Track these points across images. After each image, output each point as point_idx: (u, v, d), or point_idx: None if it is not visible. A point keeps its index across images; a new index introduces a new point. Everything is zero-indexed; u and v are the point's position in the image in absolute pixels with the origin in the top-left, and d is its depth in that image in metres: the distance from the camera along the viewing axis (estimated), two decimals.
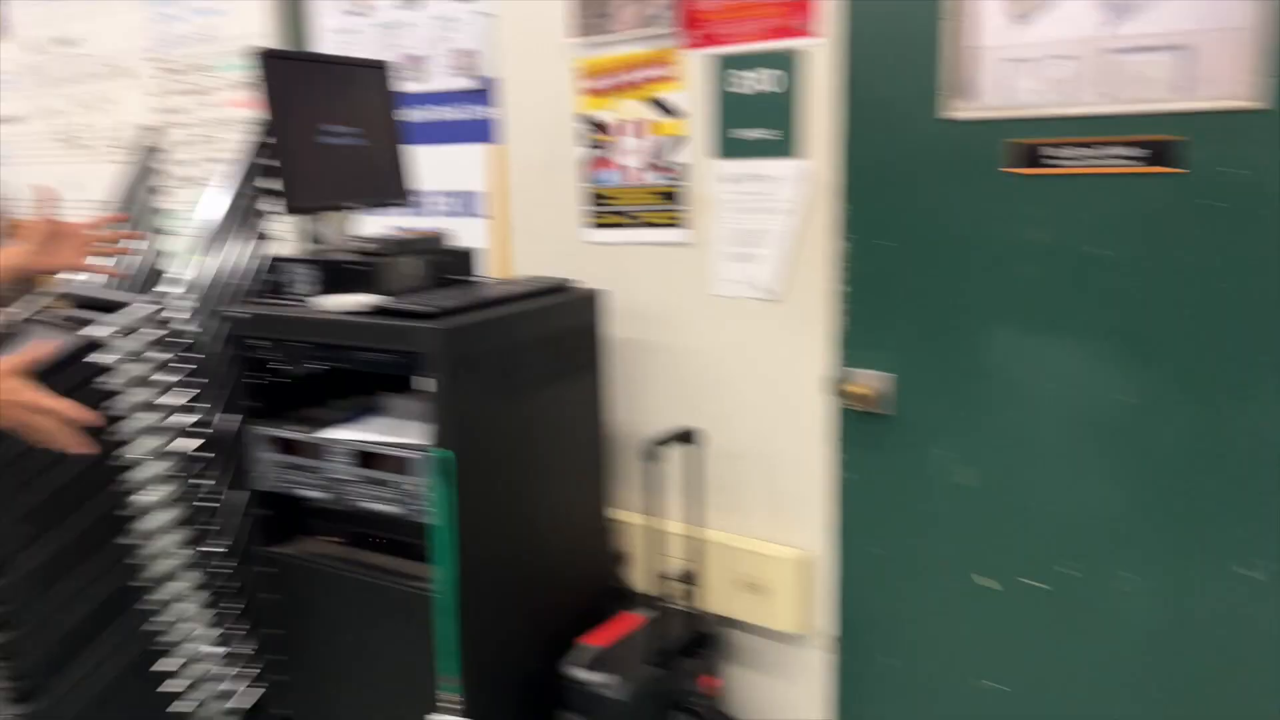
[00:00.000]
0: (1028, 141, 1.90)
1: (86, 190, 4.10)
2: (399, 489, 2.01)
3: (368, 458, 2.05)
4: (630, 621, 2.32)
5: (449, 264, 2.27)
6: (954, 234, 2.01)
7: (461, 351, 1.93)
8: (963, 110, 1.97)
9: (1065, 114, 1.86)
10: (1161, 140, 1.77)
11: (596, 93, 2.47)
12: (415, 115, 2.87)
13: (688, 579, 2.33)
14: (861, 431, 2.19)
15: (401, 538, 2.13)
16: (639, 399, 2.53)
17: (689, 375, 2.44)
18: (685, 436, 2.26)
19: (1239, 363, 1.78)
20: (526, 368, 2.12)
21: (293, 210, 2.13)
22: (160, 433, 2.22)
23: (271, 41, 3.11)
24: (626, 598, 2.48)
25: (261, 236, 2.41)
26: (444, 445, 1.92)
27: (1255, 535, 1.81)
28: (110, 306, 2.34)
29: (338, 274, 2.11)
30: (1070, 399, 1.94)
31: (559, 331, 2.22)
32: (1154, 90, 1.77)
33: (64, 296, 2.55)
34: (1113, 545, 1.95)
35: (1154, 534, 1.90)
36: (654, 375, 2.50)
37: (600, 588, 2.46)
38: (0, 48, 4.21)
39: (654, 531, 2.27)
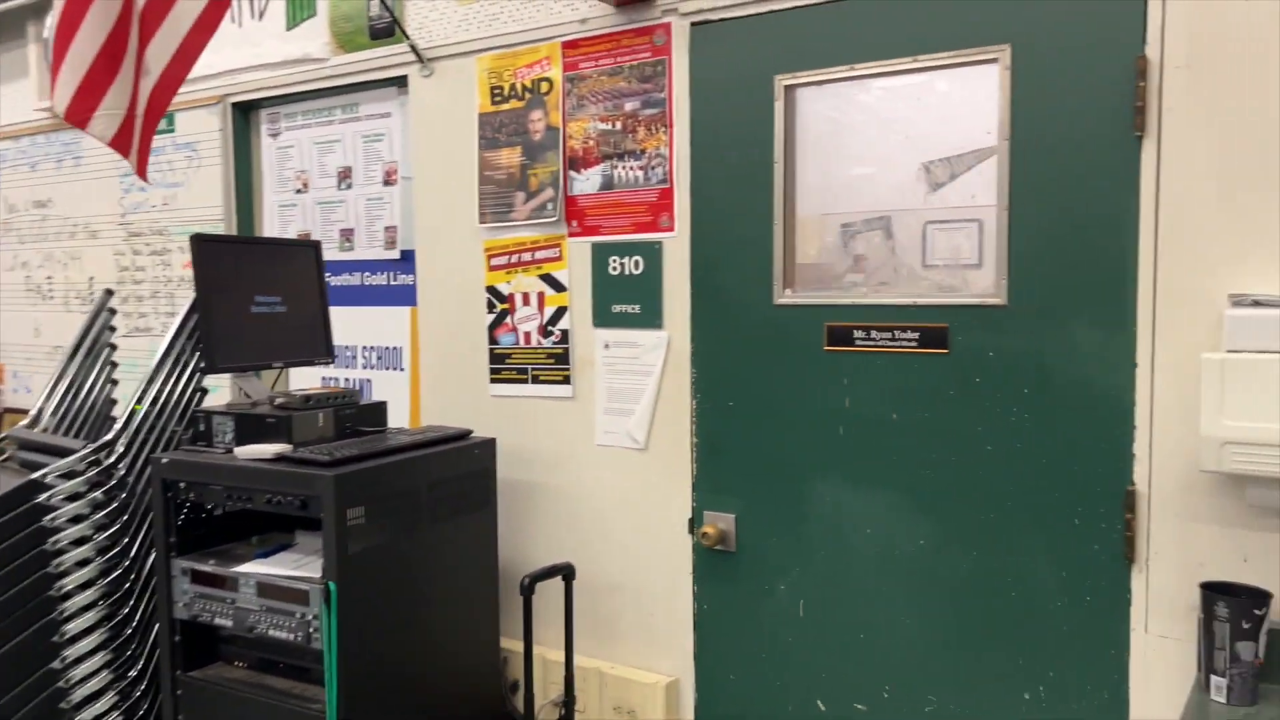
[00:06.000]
0: (842, 325, 2.28)
1: (44, 336, 4.43)
2: (296, 618, 2.27)
3: (270, 589, 2.32)
4: None
5: (359, 416, 2.59)
6: (783, 397, 2.36)
7: (352, 494, 2.23)
8: (791, 297, 2.35)
9: (867, 303, 2.24)
10: (931, 327, 2.15)
11: (499, 268, 2.85)
12: (348, 281, 3.25)
13: (567, 706, 2.57)
14: (712, 567, 2.49)
15: (302, 663, 2.37)
16: (527, 537, 2.82)
17: (572, 516, 2.74)
18: (563, 572, 2.54)
19: (1002, 513, 2.11)
20: (421, 508, 2.41)
21: (215, 370, 2.46)
22: (91, 565, 2.48)
23: (224, 211, 3.51)
24: None
25: (197, 389, 2.73)
26: (333, 578, 2.19)
27: (1032, 663, 2.10)
28: (55, 450, 2.63)
29: (253, 425, 2.42)
30: (879, 541, 2.26)
31: (455, 475, 2.53)
32: (929, 288, 2.17)
33: (11, 439, 2.84)
34: (920, 671, 2.23)
35: (951, 660, 2.19)
36: (542, 516, 2.80)
37: (489, 713, 2.68)
38: None
39: (530, 660, 2.52)
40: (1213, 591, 1.79)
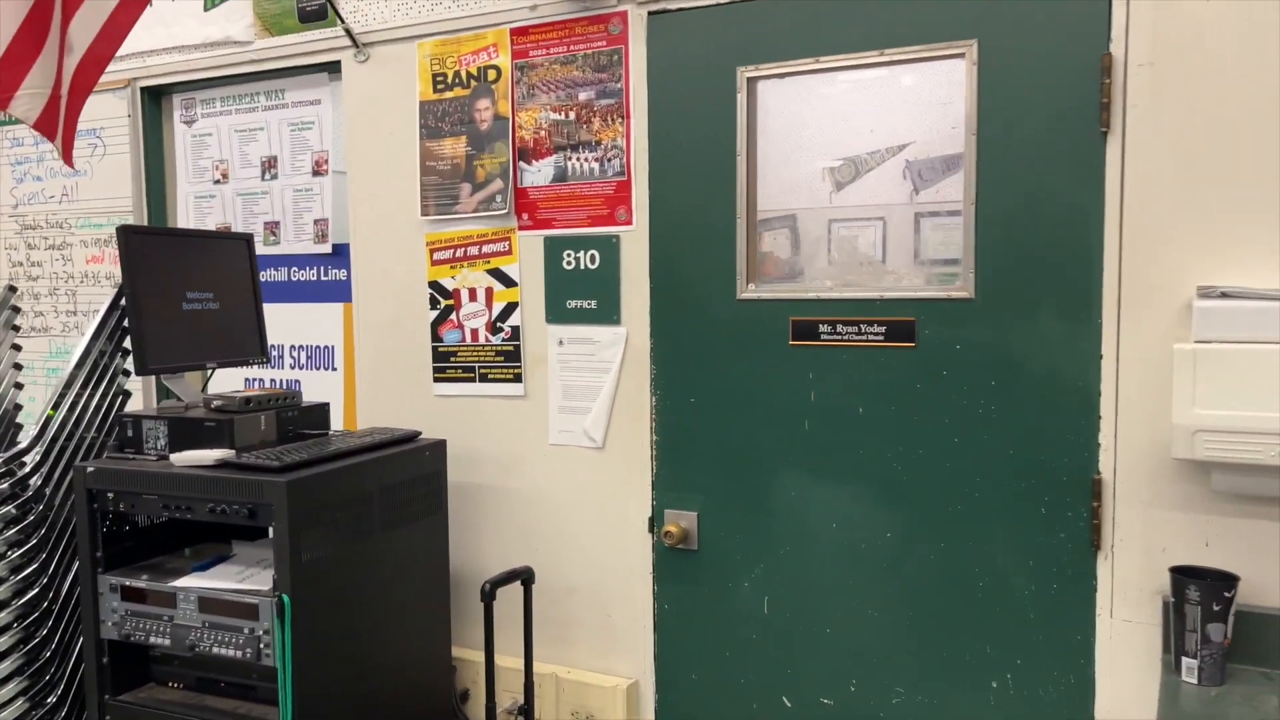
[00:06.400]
0: (807, 319, 2.26)
1: None
2: (244, 634, 2.14)
3: (215, 604, 2.17)
4: None
5: (302, 419, 2.45)
6: (747, 393, 2.34)
7: (305, 501, 2.11)
8: (755, 292, 2.32)
9: (834, 297, 2.23)
10: (898, 321, 2.16)
11: (442, 262, 2.74)
12: (274, 276, 3.08)
13: (525, 713, 2.49)
14: (673, 566, 2.45)
15: (247, 681, 2.23)
16: (481, 541, 2.73)
17: (527, 518, 2.66)
18: (523, 576, 2.46)
19: (970, 504, 2.13)
20: (373, 515, 2.30)
21: (145, 371, 2.29)
22: (4, 585, 2.28)
23: (133, 203, 3.29)
24: None
25: (119, 392, 2.55)
26: (286, 590, 2.07)
27: (999, 651, 2.13)
28: None
29: (189, 430, 2.27)
30: (845, 536, 2.26)
31: (406, 480, 2.42)
32: (896, 281, 2.18)
33: None
34: (886, 663, 2.24)
35: (919, 651, 2.21)
36: (495, 518, 2.71)
37: None
38: None
39: (492, 668, 2.43)
40: (1183, 575, 1.84)
